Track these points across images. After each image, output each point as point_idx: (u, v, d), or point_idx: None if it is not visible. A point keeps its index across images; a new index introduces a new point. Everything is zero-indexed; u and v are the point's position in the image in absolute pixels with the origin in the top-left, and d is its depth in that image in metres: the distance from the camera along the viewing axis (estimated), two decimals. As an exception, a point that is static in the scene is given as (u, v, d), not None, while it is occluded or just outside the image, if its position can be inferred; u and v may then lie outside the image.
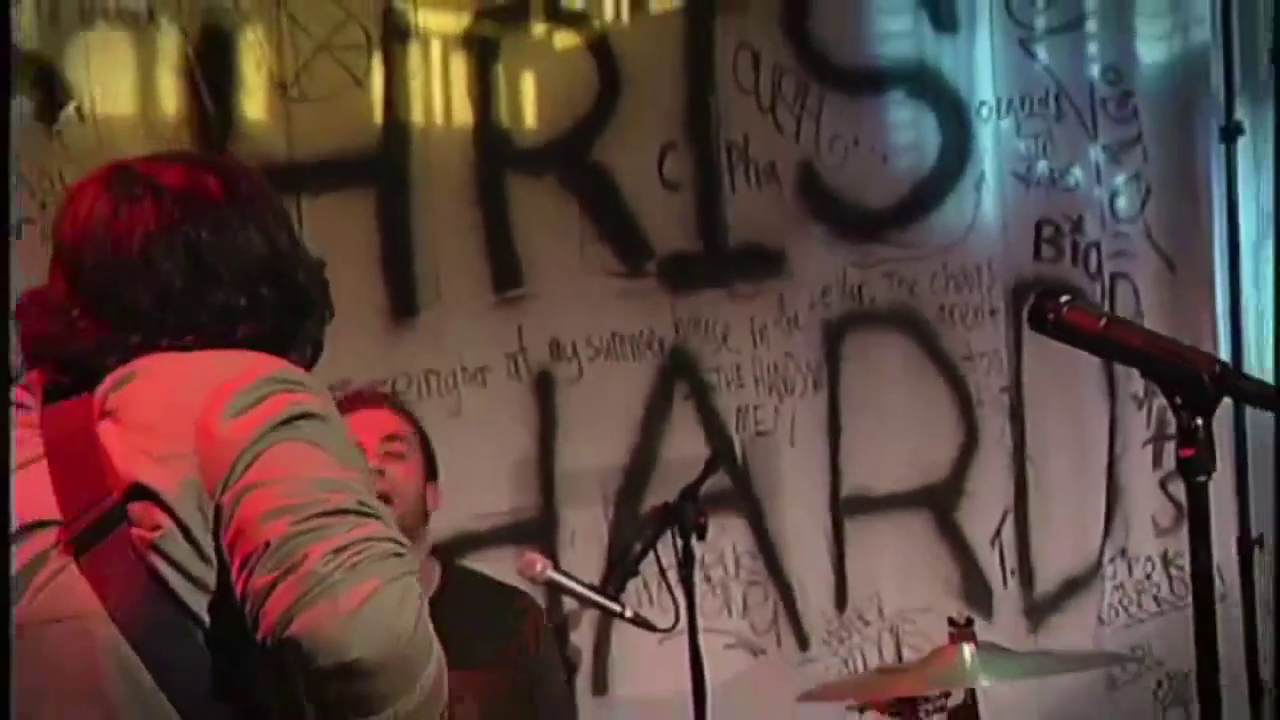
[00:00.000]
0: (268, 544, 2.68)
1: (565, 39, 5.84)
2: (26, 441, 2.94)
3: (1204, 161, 6.80)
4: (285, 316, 3.11)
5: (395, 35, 5.62)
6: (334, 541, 2.68)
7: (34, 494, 2.87)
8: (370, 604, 2.64)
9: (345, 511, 2.72)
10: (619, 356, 5.76)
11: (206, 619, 2.78)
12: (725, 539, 5.75)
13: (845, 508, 6.13)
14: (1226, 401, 2.98)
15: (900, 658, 5.86)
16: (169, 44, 5.29)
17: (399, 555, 2.74)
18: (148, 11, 5.26)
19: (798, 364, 6.06)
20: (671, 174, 5.90)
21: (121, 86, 5.28)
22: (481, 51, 5.72)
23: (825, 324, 6.13)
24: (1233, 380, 2.99)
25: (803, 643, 6.03)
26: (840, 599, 6.10)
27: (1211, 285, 6.80)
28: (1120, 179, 6.72)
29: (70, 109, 5.17)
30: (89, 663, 2.82)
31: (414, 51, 5.66)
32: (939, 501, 6.35)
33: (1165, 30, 6.81)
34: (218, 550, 2.76)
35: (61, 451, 2.91)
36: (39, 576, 2.86)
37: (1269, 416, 2.94)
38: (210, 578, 2.77)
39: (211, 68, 5.36)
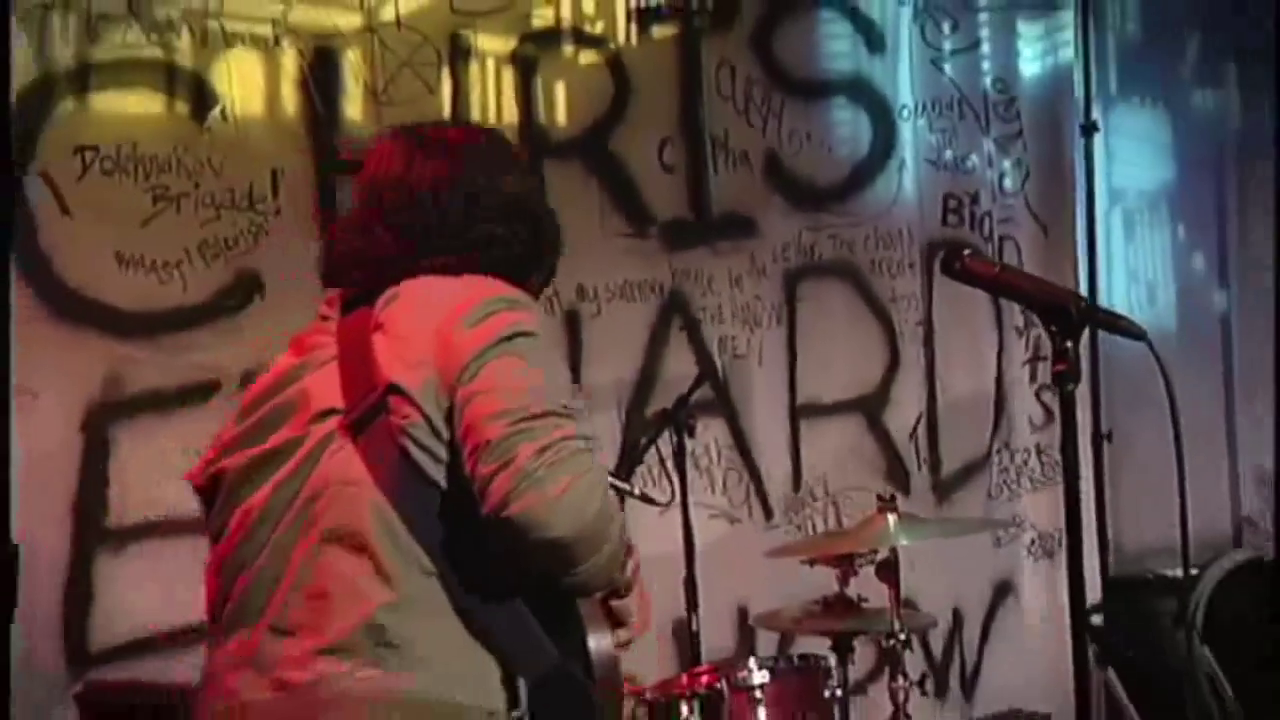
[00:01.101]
0: (489, 441, 2.74)
1: (588, 57, 5.86)
2: (326, 345, 3.05)
3: (1069, 151, 6.85)
4: (529, 247, 3.19)
5: (459, 54, 5.64)
6: (539, 442, 2.72)
7: (328, 386, 2.98)
8: (567, 494, 2.71)
9: (548, 414, 2.77)
10: (629, 298, 5.79)
11: (444, 485, 2.86)
12: (709, 435, 5.80)
13: (800, 413, 6.17)
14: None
15: (840, 524, 5.91)
16: (289, 62, 5.31)
17: (588, 450, 2.79)
18: (274, 37, 5.27)
19: (764, 304, 6.11)
20: (669, 160, 5.94)
21: (254, 94, 5.28)
22: (524, 67, 5.73)
23: (785, 273, 6.17)
24: (1092, 312, 3.07)
25: (768, 514, 6.08)
26: (796, 481, 6.15)
27: (1074, 243, 6.83)
28: (1006, 164, 6.76)
29: (216, 111, 5.19)
30: (360, 513, 2.88)
31: (474, 67, 5.66)
32: (870, 407, 6.40)
33: (1040, 52, 6.82)
34: (451, 436, 2.83)
35: (347, 355, 2.99)
36: (331, 447, 2.93)
37: (1117, 340, 2.95)
38: (445, 454, 2.85)
39: (321, 79, 5.38)
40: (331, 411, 2.95)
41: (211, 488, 3.11)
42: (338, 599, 2.88)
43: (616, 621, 3.10)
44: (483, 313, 2.91)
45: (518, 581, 2.91)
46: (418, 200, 3.13)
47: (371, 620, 2.86)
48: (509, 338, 2.86)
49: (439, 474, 2.85)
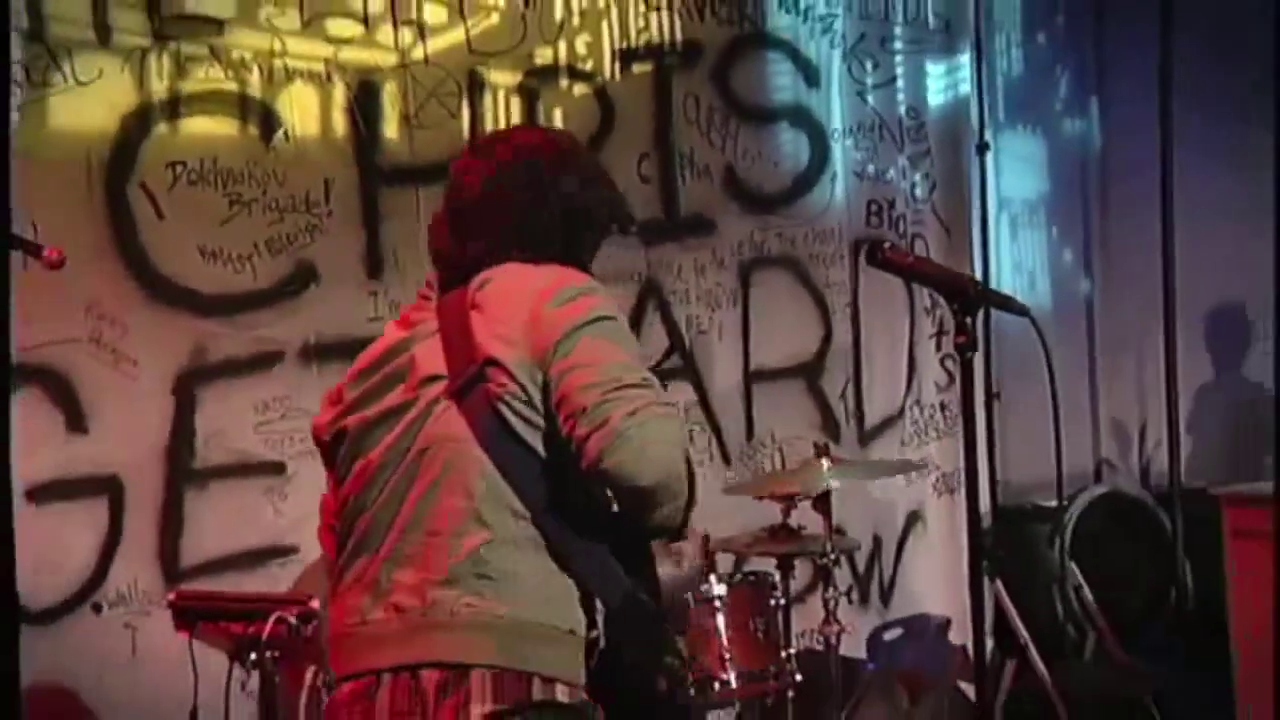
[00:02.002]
0: (585, 408, 2.75)
1: (580, 88, 5.79)
2: (429, 321, 3.02)
3: (966, 166, 6.81)
4: (581, 236, 3.14)
5: (476, 87, 5.55)
6: (627, 408, 2.72)
7: (433, 356, 2.96)
8: (652, 450, 2.72)
9: (633, 385, 2.76)
10: (613, 283, 5.72)
11: (540, 450, 2.86)
12: (678, 396, 5.74)
13: (752, 377, 6.13)
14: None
15: (784, 467, 5.91)
16: (338, 93, 5.24)
17: (669, 415, 2.80)
18: (326, 73, 5.21)
19: (723, 289, 6.05)
20: (645, 172, 5.87)
21: (310, 119, 5.22)
22: (528, 96, 5.66)
23: (740, 265, 6.11)
24: (985, 294, 3.11)
25: (726, 460, 6.03)
26: (749, 433, 6.11)
27: (970, 241, 6.80)
28: (917, 177, 6.69)
29: (280, 133, 5.13)
30: (464, 465, 2.88)
31: (487, 96, 5.59)
32: (808, 373, 6.35)
33: (943, 86, 6.77)
34: (545, 405, 2.84)
35: (448, 328, 2.97)
36: (438, 409, 2.92)
37: (1005, 316, 2.98)
38: (539, 421, 2.85)
39: (364, 107, 5.30)
40: (437, 378, 2.93)
41: (334, 442, 3.09)
42: (445, 537, 2.89)
43: (677, 558, 3.13)
44: (565, 298, 2.88)
45: (597, 525, 2.91)
46: (494, 205, 3.09)
47: (474, 555, 2.86)
48: (594, 320, 2.85)
49: (528, 434, 2.84)
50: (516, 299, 2.92)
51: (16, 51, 4.62)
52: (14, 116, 4.62)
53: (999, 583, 5.79)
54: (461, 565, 2.87)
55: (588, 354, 2.82)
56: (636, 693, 2.97)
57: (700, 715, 5.19)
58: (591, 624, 2.93)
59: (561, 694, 2.86)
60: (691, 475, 2.87)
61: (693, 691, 4.47)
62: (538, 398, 2.84)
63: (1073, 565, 6.43)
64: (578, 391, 2.78)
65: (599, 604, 2.94)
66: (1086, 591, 6.40)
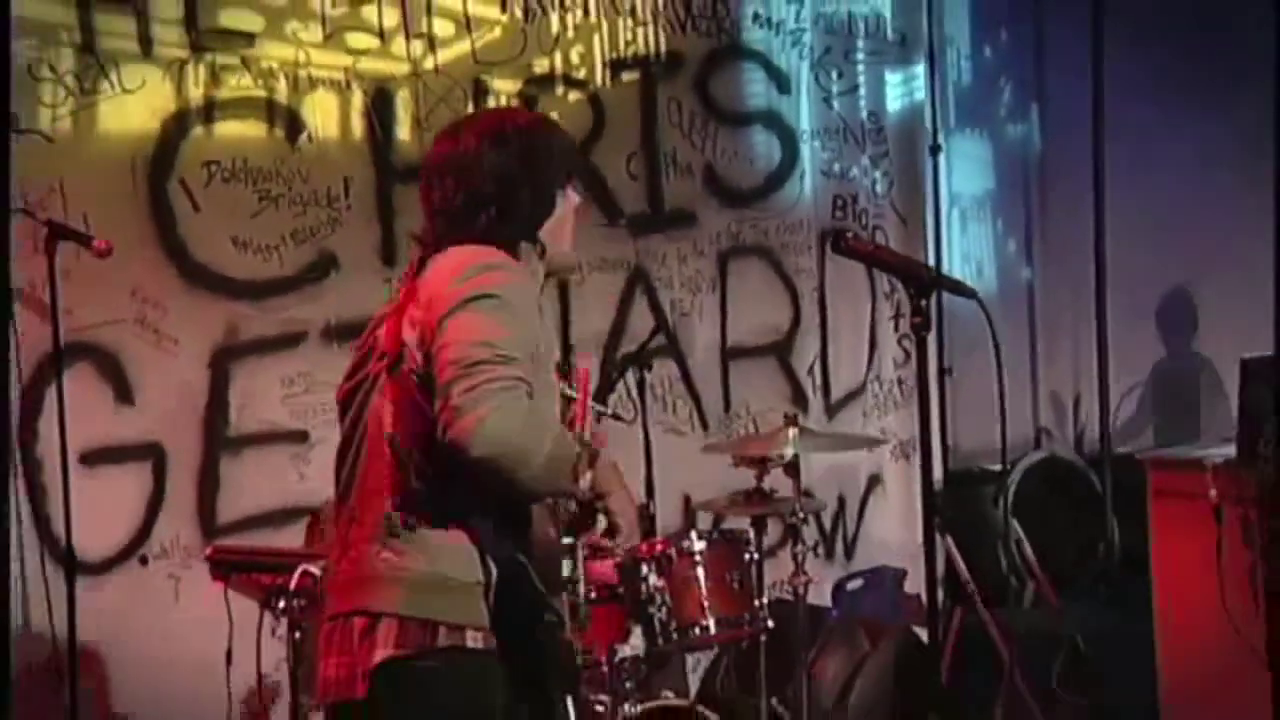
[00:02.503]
0: (440, 384, 2.68)
1: (574, 94, 5.78)
2: (399, 298, 2.94)
3: (921, 165, 6.79)
4: (514, 218, 2.95)
5: (480, 93, 5.54)
6: (467, 383, 2.63)
7: (387, 334, 2.90)
8: (483, 423, 2.60)
9: (482, 361, 2.65)
10: (604, 271, 5.75)
11: (432, 415, 2.74)
12: (663, 371, 5.77)
13: (729, 355, 6.13)
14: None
15: (758, 433, 5.93)
16: (357, 99, 5.25)
17: (510, 389, 2.65)
18: (346, 81, 5.22)
19: (703, 276, 6.06)
20: (634, 170, 5.87)
21: (331, 123, 5.23)
22: (528, 102, 5.63)
23: (718, 254, 6.12)
24: (938, 279, 3.08)
25: (705, 428, 6.05)
26: (726, 405, 6.12)
27: (925, 232, 6.79)
28: (877, 174, 6.68)
29: (304, 135, 5.15)
30: (384, 437, 2.84)
31: (491, 102, 5.57)
32: (779, 351, 6.35)
33: (900, 93, 6.76)
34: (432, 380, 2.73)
35: (397, 310, 2.88)
36: (378, 384, 2.88)
37: (956, 300, 2.96)
38: (431, 393, 2.73)
39: (380, 112, 5.31)
40: (384, 355, 2.88)
41: (341, 406, 3.05)
42: (372, 498, 2.88)
43: (611, 520, 3.06)
44: (462, 277, 2.79)
45: (482, 491, 2.79)
46: (437, 185, 3.00)
47: (389, 516, 2.84)
48: (472, 299, 2.74)
49: (429, 407, 2.73)
50: (433, 280, 2.84)
51: (69, 63, 4.66)
52: (65, 122, 4.67)
53: (949, 538, 5.78)
54: (380, 524, 2.85)
55: (454, 331, 2.73)
56: (525, 645, 2.85)
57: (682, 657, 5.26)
58: (489, 578, 2.83)
59: (471, 639, 2.80)
60: (569, 449, 2.81)
61: (668, 638, 4.47)
62: (430, 374, 2.77)
63: (1014, 522, 6.44)
64: (440, 369, 2.71)
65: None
66: (1026, 545, 6.41)
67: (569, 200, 3.07)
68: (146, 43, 4.87)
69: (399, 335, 2.84)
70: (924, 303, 2.93)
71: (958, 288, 3.09)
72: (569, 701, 3.08)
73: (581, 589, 3.02)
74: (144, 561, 4.88)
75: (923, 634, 5.34)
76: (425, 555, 2.81)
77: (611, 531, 3.15)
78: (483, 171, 2.94)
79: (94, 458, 4.73)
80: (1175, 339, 7.31)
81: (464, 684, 2.80)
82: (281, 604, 4.06)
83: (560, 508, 2.96)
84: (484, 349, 2.68)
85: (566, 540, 3.07)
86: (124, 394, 4.86)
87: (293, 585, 4.02)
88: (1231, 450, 4.90)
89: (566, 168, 3.07)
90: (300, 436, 5.18)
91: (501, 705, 2.82)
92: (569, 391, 3.05)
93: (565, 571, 2.98)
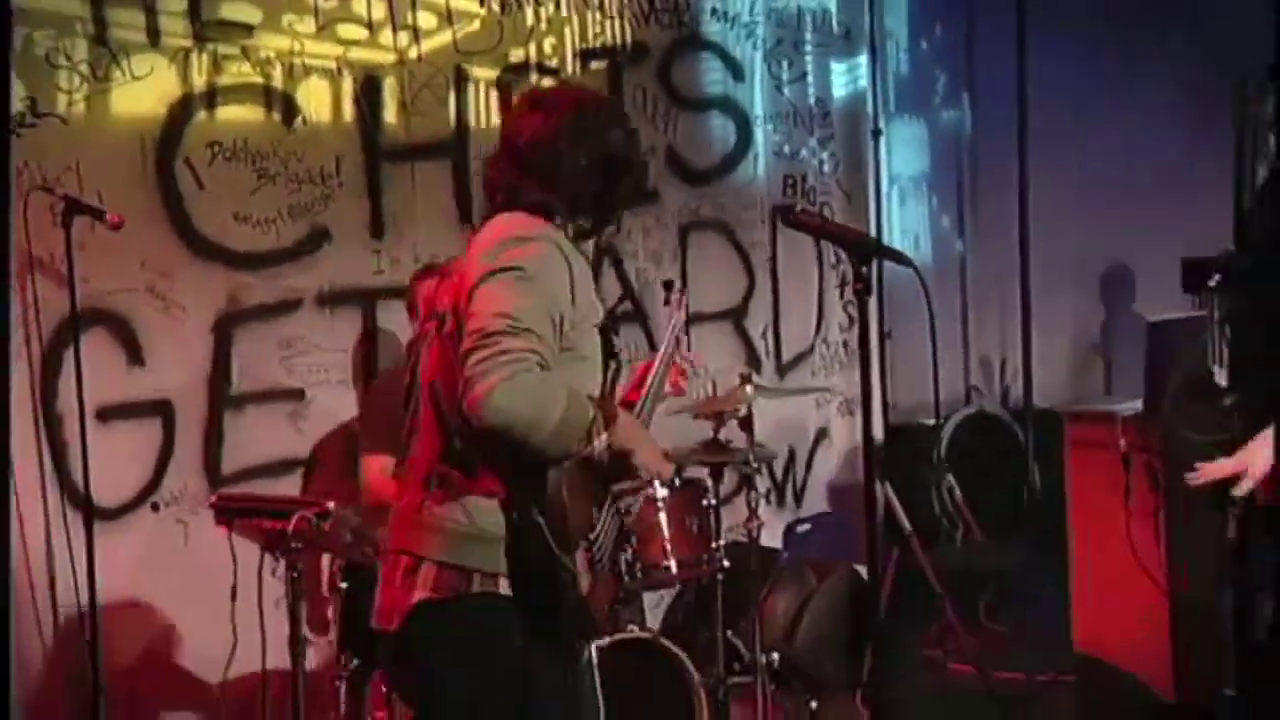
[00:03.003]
0: (460, 353, 2.62)
1: (547, 82, 5.73)
2: (460, 259, 2.85)
3: (864, 147, 6.80)
4: (572, 189, 2.82)
5: (461, 80, 5.53)
6: (482, 354, 2.57)
7: (443, 294, 2.84)
8: (492, 393, 2.53)
9: (498, 333, 2.58)
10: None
11: None
12: (629, 336, 5.77)
13: (689, 320, 6.16)
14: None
15: (716, 393, 5.93)
16: (347, 85, 5.24)
17: (518, 360, 2.56)
18: (337, 69, 5.20)
19: (666, 248, 6.07)
20: (602, 153, 5.90)
21: (323, 107, 5.22)
22: (504, 88, 5.63)
23: (680, 227, 6.13)
24: (879, 248, 3.08)
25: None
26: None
27: (868, 207, 6.77)
28: (824, 155, 6.69)
29: (299, 119, 5.14)
30: (432, 395, 2.81)
31: (470, 88, 5.56)
32: (736, 316, 6.39)
33: (845, 81, 6.77)
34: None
35: (452, 274, 2.83)
36: (429, 342, 2.84)
37: (896, 268, 2.97)
38: None
39: (368, 97, 5.29)
40: (433, 314, 2.85)
41: (408, 357, 3.00)
42: (423, 450, 2.85)
43: (634, 475, 2.88)
44: (496, 250, 2.72)
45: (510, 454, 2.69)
46: (516, 150, 2.86)
47: (435, 468, 2.80)
48: (499, 270, 2.66)
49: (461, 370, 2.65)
50: (474, 250, 2.78)
51: (83, 52, 4.65)
52: (80, 106, 4.66)
53: (888, 485, 5.80)
54: (428, 475, 2.81)
55: (479, 302, 2.66)
56: (538, 598, 2.76)
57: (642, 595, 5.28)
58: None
59: (504, 587, 2.74)
60: (581, 414, 2.69)
61: (634, 577, 4.47)
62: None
63: (947, 472, 6.52)
64: (464, 337, 2.64)
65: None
66: (957, 491, 6.48)
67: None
68: (154, 34, 4.85)
69: (445, 298, 2.81)
70: (865, 270, 2.89)
71: (896, 256, 3.04)
72: (592, 650, 3.03)
73: (606, 543, 2.90)
74: (155, 508, 4.89)
75: (864, 571, 5.39)
76: (463, 508, 2.76)
77: (635, 487, 3.03)
78: (548, 149, 2.82)
79: (109, 414, 4.74)
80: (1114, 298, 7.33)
81: (494, 627, 2.75)
82: (281, 547, 4.08)
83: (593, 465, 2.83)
84: (501, 320, 2.61)
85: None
86: (135, 356, 4.85)
87: (290, 529, 4.03)
88: (1139, 405, 4.97)
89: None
90: (297, 394, 5.19)
91: (527, 650, 2.75)
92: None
93: (598, 527, 2.87)
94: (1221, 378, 4.17)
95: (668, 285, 4.04)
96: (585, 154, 2.82)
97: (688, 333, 3.95)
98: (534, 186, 2.82)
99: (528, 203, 2.82)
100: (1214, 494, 4.34)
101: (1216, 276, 4.17)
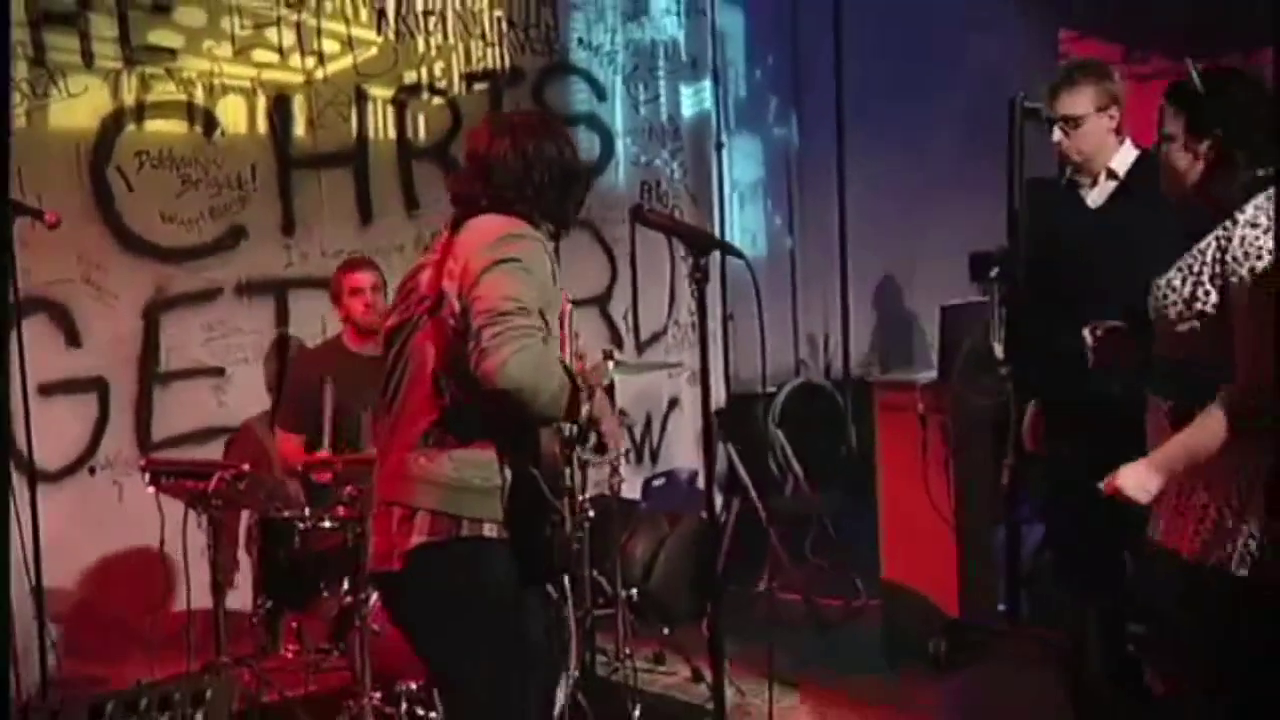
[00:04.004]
0: (472, 328, 2.64)
1: (437, 100, 5.73)
2: (437, 253, 2.86)
3: (708, 158, 6.83)
4: (545, 197, 2.89)
5: (361, 98, 5.49)
6: (494, 329, 2.60)
7: (427, 282, 2.84)
8: (507, 361, 2.57)
9: (507, 312, 2.62)
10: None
11: (464, 352, 2.69)
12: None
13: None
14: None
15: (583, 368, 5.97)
16: (261, 102, 5.20)
17: (526, 334, 2.61)
18: (253, 88, 5.17)
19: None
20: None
21: (240, 121, 5.17)
22: (399, 106, 5.61)
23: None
24: (719, 244, 3.10)
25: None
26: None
27: (712, 209, 6.83)
28: (675, 165, 6.71)
29: (218, 132, 5.10)
30: (425, 366, 2.81)
31: (370, 106, 5.53)
32: (601, 302, 6.39)
33: (693, 102, 6.80)
34: (467, 324, 2.68)
35: (438, 262, 2.82)
36: (420, 323, 2.83)
37: (736, 262, 2.96)
38: (465, 335, 2.68)
39: (280, 112, 5.26)
40: (425, 299, 2.83)
41: (387, 338, 2.97)
42: (414, 415, 2.85)
43: (602, 440, 2.98)
44: (495, 244, 2.75)
45: (503, 415, 2.72)
46: (487, 167, 2.89)
47: (427, 429, 2.81)
48: (500, 261, 2.70)
49: (461, 345, 2.68)
50: (469, 243, 2.78)
51: (24, 72, 4.58)
52: (21, 120, 4.58)
53: (730, 445, 5.83)
54: (420, 436, 2.82)
55: (485, 288, 2.68)
56: (534, 538, 2.81)
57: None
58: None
59: (489, 530, 2.78)
60: (572, 383, 2.76)
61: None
62: (463, 320, 2.72)
63: (778, 431, 6.55)
64: (474, 316, 2.66)
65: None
66: (788, 449, 6.51)
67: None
68: (88, 56, 4.79)
69: (439, 284, 2.80)
70: (703, 261, 2.86)
71: (730, 250, 3.07)
72: (565, 580, 3.07)
73: (577, 494, 2.98)
74: (92, 471, 4.84)
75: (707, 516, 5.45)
76: (453, 464, 2.79)
77: (602, 448, 3.10)
78: (517, 165, 2.88)
79: (50, 389, 4.69)
80: (915, 286, 7.44)
81: (481, 564, 2.79)
82: (202, 504, 4.10)
83: (563, 430, 2.89)
84: (509, 302, 2.65)
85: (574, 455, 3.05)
86: (73, 338, 4.80)
87: (210, 488, 4.04)
88: (934, 374, 5.05)
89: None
90: (218, 372, 5.15)
91: (510, 582, 2.80)
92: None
93: (566, 480, 2.91)
94: (999, 352, 4.27)
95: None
96: (544, 170, 2.88)
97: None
98: (506, 197, 2.86)
99: (507, 208, 2.86)
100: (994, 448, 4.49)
101: (995, 268, 4.30)
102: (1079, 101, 3.74)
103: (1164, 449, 2.86)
